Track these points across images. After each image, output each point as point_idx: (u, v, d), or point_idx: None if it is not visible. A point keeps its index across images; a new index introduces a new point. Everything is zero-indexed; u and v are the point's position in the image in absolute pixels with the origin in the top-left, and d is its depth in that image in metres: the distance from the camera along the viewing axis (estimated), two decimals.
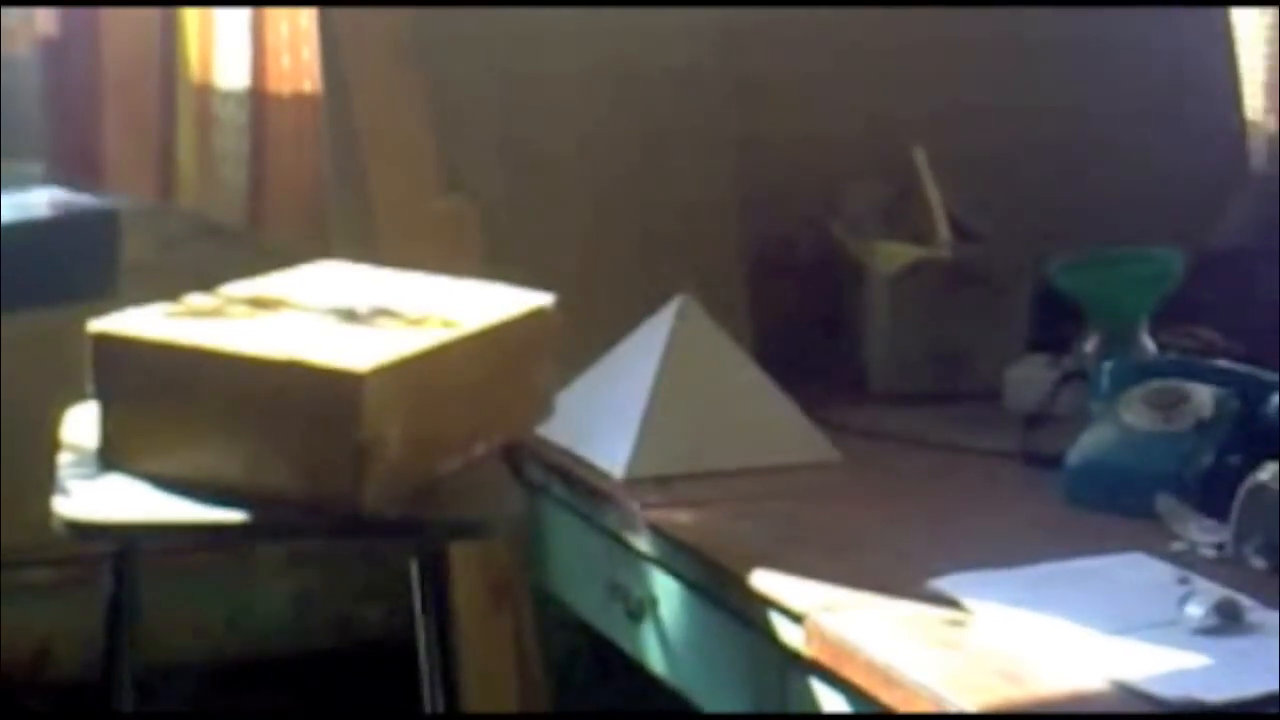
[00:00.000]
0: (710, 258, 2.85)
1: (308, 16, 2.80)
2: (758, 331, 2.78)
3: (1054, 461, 2.36)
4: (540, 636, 2.71)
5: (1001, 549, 2.12)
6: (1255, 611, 1.91)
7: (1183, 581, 2.00)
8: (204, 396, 1.91)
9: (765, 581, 2.08)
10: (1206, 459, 2.25)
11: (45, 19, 2.86)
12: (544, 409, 2.15)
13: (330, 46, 2.72)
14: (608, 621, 2.48)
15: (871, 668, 1.88)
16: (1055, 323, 2.73)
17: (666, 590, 2.32)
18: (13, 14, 2.90)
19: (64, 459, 2.02)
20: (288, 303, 2.07)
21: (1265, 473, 2.09)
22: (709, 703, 2.28)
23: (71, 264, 1.94)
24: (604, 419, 2.47)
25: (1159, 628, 1.89)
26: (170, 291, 2.07)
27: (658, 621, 2.34)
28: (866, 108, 2.95)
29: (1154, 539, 2.16)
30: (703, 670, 2.28)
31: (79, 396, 2.02)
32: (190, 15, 2.86)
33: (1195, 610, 1.90)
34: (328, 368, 1.85)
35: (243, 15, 2.82)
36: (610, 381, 2.53)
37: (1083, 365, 2.59)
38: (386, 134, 2.72)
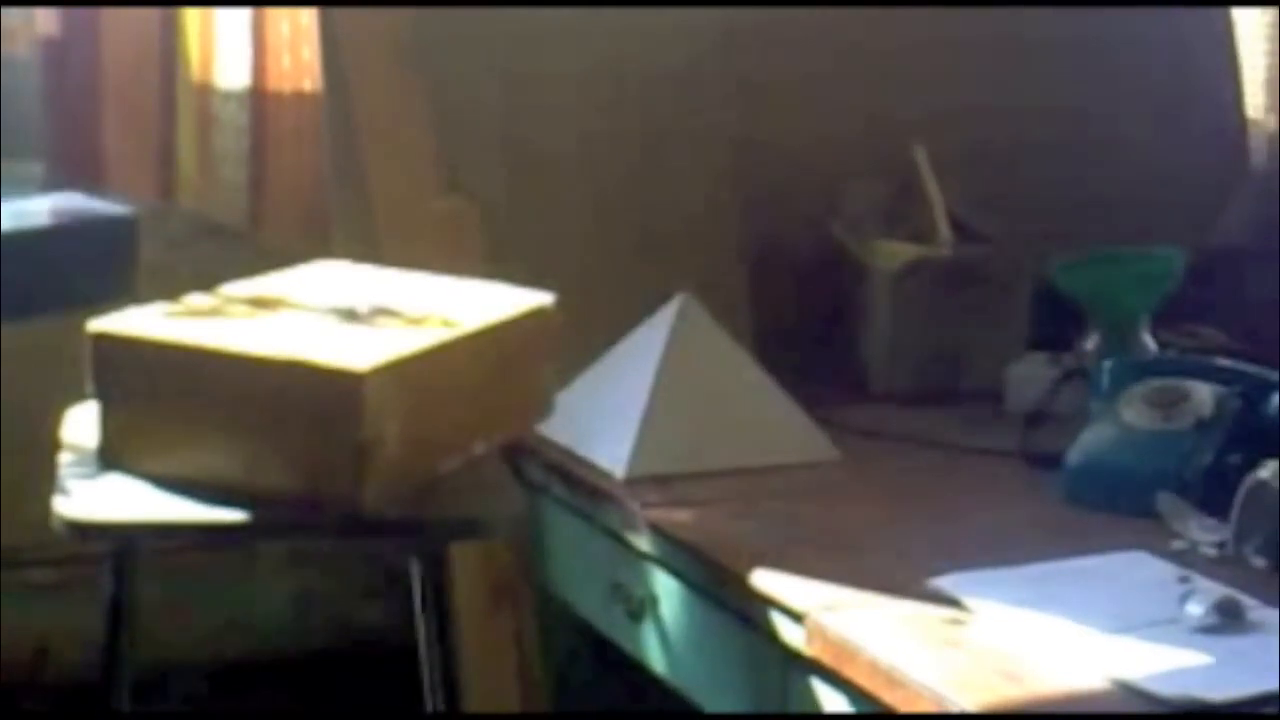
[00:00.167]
0: (711, 257, 2.85)
1: (308, 16, 2.80)
2: (758, 331, 2.78)
3: (1054, 460, 2.36)
4: (540, 636, 2.71)
5: (1002, 548, 2.12)
6: (1256, 610, 1.91)
7: (1183, 580, 2.00)
8: (204, 396, 1.91)
9: (766, 581, 2.08)
10: (1207, 458, 2.25)
11: (46, 19, 2.86)
12: (544, 408, 2.15)
13: (331, 46, 2.72)
14: (608, 621, 2.48)
15: (872, 667, 1.88)
16: (1055, 322, 2.73)
17: (667, 590, 2.32)
18: (13, 14, 2.90)
19: (64, 459, 2.02)
20: (288, 302, 2.07)
21: (1266, 471, 2.09)
22: (710, 702, 2.27)
23: (87, 271, 1.94)
24: (604, 418, 2.47)
25: (1159, 626, 1.89)
26: (170, 291, 2.07)
27: (658, 621, 2.34)
28: (867, 107, 2.95)
29: (1154, 538, 2.16)
30: (703, 670, 2.27)
31: (79, 396, 2.02)
32: (191, 15, 2.86)
33: (1196, 609, 1.90)
34: (328, 367, 1.85)
35: (243, 15, 2.82)
36: (611, 381, 2.53)
37: (1083, 364, 2.59)
38: (387, 134, 2.72)
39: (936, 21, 3.00)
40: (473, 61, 2.79)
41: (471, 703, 2.61)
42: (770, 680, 2.11)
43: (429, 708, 2.14)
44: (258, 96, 2.83)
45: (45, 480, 1.98)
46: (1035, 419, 2.56)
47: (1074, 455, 2.33)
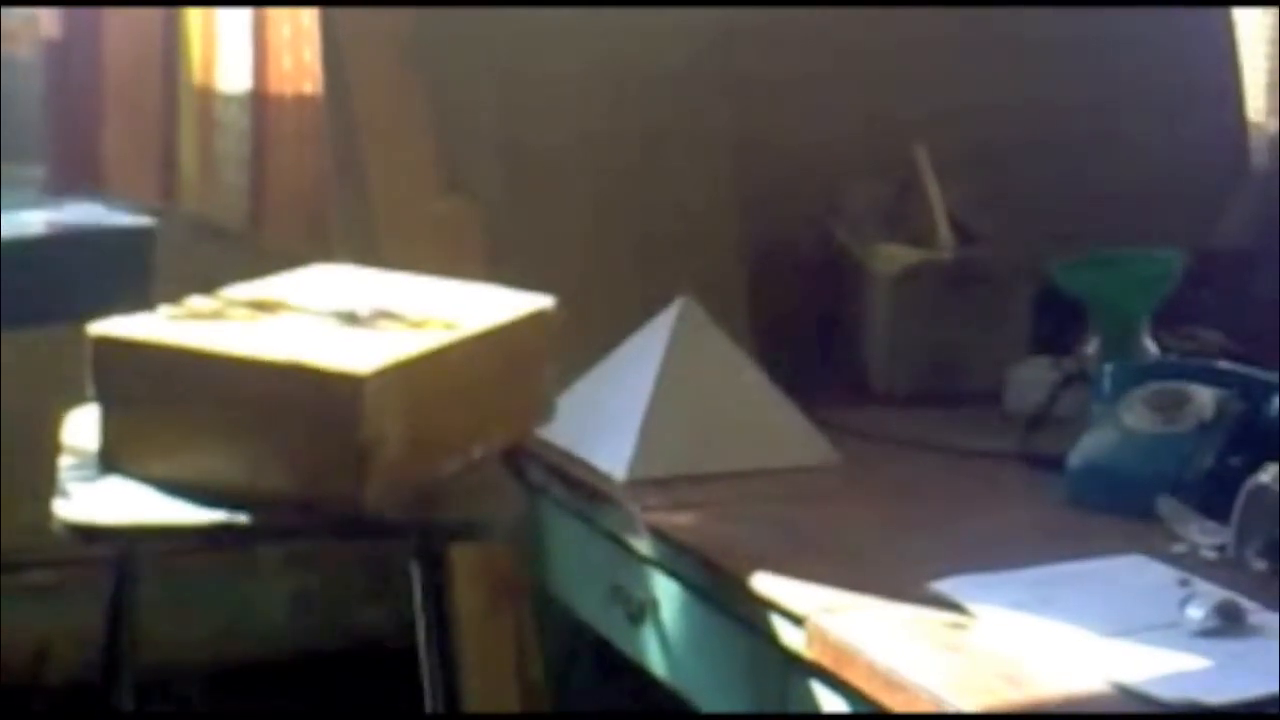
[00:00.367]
0: (710, 259, 2.85)
1: (309, 18, 2.80)
2: (758, 333, 2.78)
3: (1055, 463, 2.36)
4: (540, 638, 2.71)
5: (1002, 551, 2.12)
6: (1256, 614, 1.91)
7: (1183, 583, 2.00)
8: (205, 399, 1.91)
9: (766, 584, 2.08)
10: (1207, 461, 2.25)
11: (48, 21, 2.85)
12: (544, 411, 2.15)
13: (332, 48, 2.72)
14: (608, 623, 2.48)
15: (872, 670, 1.88)
16: (1056, 324, 2.73)
17: (667, 592, 2.32)
18: (15, 15, 2.90)
19: (65, 461, 2.02)
20: (289, 305, 2.07)
21: (1266, 474, 2.09)
22: (709, 705, 2.27)
23: (98, 281, 1.94)
24: (605, 421, 2.47)
25: (1160, 630, 1.89)
26: (171, 294, 2.07)
27: (658, 624, 2.34)
28: (866, 108, 2.95)
29: (1155, 541, 2.16)
30: (703, 672, 2.27)
31: (80, 399, 2.02)
32: (192, 17, 2.86)
33: (1196, 612, 1.90)
34: (328, 370, 1.85)
35: (244, 17, 2.82)
36: (611, 384, 2.53)
37: (1084, 367, 2.59)
38: (387, 135, 2.72)
39: (936, 21, 3.00)
40: (473, 63, 2.79)
41: (471, 705, 2.61)
42: (770, 683, 2.11)
43: (428, 709, 2.15)
44: (259, 99, 2.83)
45: (46, 483, 1.98)
46: (1036, 421, 2.56)
47: (1075, 458, 2.33)
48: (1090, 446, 2.34)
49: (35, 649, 2.97)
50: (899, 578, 2.05)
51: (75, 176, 2.84)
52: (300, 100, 2.82)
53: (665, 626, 2.33)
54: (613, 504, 2.41)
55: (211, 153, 2.87)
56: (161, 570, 2.33)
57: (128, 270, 1.94)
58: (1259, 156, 3.22)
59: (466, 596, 2.62)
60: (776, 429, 2.47)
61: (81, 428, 2.06)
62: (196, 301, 2.05)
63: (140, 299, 1.95)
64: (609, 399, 2.50)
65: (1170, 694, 1.75)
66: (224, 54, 2.84)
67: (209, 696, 3.03)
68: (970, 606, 1.97)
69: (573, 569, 2.60)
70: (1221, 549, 2.11)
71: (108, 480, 1.94)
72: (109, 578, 1.96)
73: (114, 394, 1.95)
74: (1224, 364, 2.42)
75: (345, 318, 2.03)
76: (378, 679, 2.88)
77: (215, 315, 2.02)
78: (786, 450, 2.46)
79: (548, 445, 2.49)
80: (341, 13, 2.71)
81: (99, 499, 1.91)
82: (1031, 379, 2.66)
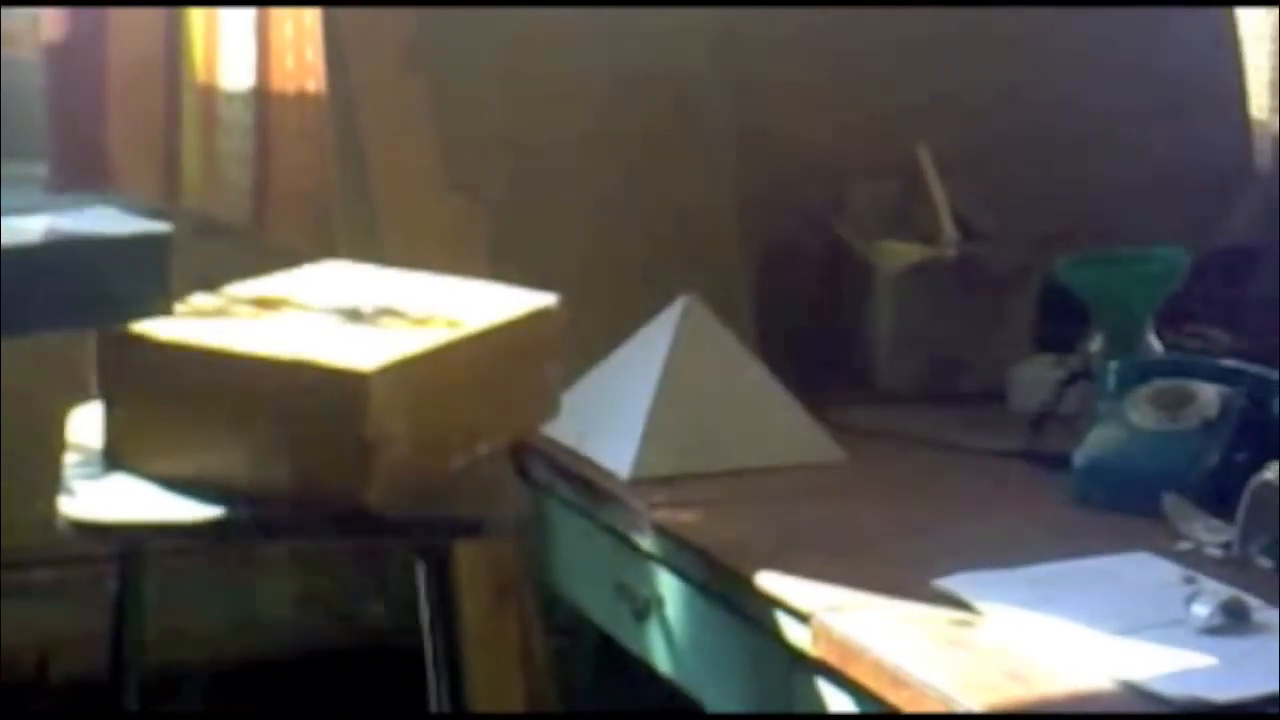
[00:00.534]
0: (714, 257, 2.85)
1: (312, 16, 2.80)
2: (762, 331, 2.78)
3: (1060, 461, 2.36)
4: (545, 636, 2.71)
5: (1007, 549, 2.12)
6: (1261, 611, 1.91)
7: (1189, 581, 2.00)
8: (209, 396, 1.91)
9: (771, 581, 2.08)
10: (1212, 458, 2.25)
11: (51, 20, 2.85)
12: (549, 409, 2.15)
13: (335, 46, 2.72)
14: (613, 621, 2.48)
15: (878, 667, 1.88)
16: (1060, 323, 2.73)
17: (672, 590, 2.32)
18: (19, 15, 2.90)
19: (69, 459, 2.02)
20: (292, 303, 2.07)
21: (1271, 472, 2.09)
22: (715, 703, 2.27)
23: (121, 285, 1.93)
24: (609, 419, 2.47)
25: (1165, 627, 1.89)
26: (176, 292, 2.06)
27: (663, 621, 2.34)
28: (869, 107, 2.95)
29: (1160, 539, 2.16)
30: (708, 670, 2.27)
31: (84, 396, 2.02)
32: (195, 16, 2.85)
33: (1201, 610, 1.90)
34: (333, 367, 1.85)
35: (247, 15, 2.82)
36: (615, 381, 2.53)
37: (1088, 365, 2.59)
38: (390, 134, 2.72)
39: (938, 21, 3.00)
40: (476, 62, 2.79)
41: (476, 703, 2.61)
42: (775, 680, 2.11)
43: (433, 708, 2.14)
44: (262, 97, 2.83)
45: (50, 480, 1.98)
46: (1041, 420, 2.56)
47: (1080, 456, 2.33)
48: (1095, 444, 2.34)
49: (40, 648, 2.97)
50: (904, 575, 2.05)
51: (78, 174, 2.84)
52: (303, 98, 2.82)
53: (670, 624, 2.33)
54: (617, 501, 2.41)
55: (214, 150, 2.87)
56: (164, 569, 2.33)
57: (147, 276, 1.93)
58: (1262, 155, 3.22)
59: (471, 594, 2.62)
60: (781, 427, 2.47)
61: (86, 425, 2.06)
62: (200, 299, 2.05)
63: (163, 304, 1.94)
64: (613, 397, 2.50)
65: (1175, 691, 1.75)
66: (227, 52, 2.84)
67: (214, 695, 3.02)
68: (976, 604, 1.97)
69: (577, 566, 2.60)
70: (1227, 546, 2.11)
71: (112, 477, 1.94)
72: (113, 576, 1.96)
73: (119, 391, 1.95)
74: (1228, 361, 2.41)
75: (349, 315, 2.03)
76: (382, 677, 2.87)
77: (219, 313, 2.02)
78: (791, 448, 2.46)
79: (552, 443, 2.49)
80: (344, 13, 2.71)
81: (104, 496, 1.91)
82: (1036, 377, 2.66)
